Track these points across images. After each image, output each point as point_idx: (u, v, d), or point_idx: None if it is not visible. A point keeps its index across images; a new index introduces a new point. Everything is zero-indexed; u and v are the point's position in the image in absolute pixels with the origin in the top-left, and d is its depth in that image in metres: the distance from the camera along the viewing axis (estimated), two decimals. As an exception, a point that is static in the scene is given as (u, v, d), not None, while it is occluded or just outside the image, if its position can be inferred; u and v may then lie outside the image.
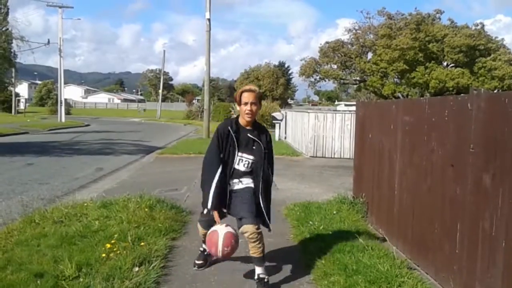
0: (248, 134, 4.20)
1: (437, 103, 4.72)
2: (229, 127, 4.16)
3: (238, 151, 4.17)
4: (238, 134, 4.17)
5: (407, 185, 5.30)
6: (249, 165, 4.23)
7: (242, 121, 4.22)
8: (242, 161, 4.20)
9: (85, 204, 6.88)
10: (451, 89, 31.88)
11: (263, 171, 4.23)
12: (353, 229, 5.92)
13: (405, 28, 32.65)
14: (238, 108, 4.22)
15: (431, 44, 32.37)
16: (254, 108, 4.13)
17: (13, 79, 40.13)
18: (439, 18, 34.38)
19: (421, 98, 5.65)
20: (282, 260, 5.02)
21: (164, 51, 66.49)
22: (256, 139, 4.21)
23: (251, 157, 4.22)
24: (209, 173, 4.11)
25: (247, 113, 4.12)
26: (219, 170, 4.10)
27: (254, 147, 4.20)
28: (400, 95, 33.79)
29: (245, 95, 4.13)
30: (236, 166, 4.20)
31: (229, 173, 4.19)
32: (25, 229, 5.72)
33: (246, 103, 4.11)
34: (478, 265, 3.69)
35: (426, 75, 32.47)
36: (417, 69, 32.63)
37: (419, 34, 31.80)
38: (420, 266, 4.77)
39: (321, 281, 4.35)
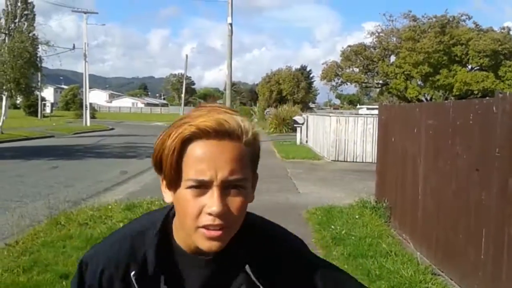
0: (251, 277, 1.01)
1: (462, 106, 4.66)
2: (119, 266, 1.01)
3: None
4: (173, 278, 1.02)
5: (431, 190, 5.23)
6: None
7: (182, 235, 1.01)
8: None
9: (110, 207, 7.00)
10: (476, 92, 31.36)
11: None
12: (376, 234, 5.88)
13: (429, 31, 32.28)
14: (167, 198, 0.99)
15: (455, 47, 31.93)
16: (237, 203, 0.94)
17: (39, 84, 41.05)
18: (464, 21, 33.89)
19: (446, 101, 5.58)
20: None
21: (187, 55, 67.33)
22: None
23: None
24: None
25: (207, 227, 0.92)
26: None
27: None
28: (424, 98, 33.41)
29: (201, 152, 0.92)
30: None
31: None
32: (51, 231, 5.84)
33: (200, 185, 0.92)
34: (504, 271, 3.62)
35: (450, 78, 32.04)
36: (440, 72, 32.22)
37: (443, 37, 31.40)
38: (444, 272, 4.70)
39: (344, 285, 4.32)
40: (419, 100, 31.94)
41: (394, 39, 35.64)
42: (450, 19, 33.14)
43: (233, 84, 33.34)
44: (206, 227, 0.92)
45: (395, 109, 7.45)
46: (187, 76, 73.91)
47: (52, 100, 75.31)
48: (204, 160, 0.91)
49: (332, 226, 6.26)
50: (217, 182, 0.91)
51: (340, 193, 9.54)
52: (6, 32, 31.31)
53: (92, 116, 50.27)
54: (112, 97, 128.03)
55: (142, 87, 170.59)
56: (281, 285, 1.03)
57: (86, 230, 5.80)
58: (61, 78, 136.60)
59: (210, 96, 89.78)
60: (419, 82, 35.05)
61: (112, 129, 39.69)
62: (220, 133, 0.92)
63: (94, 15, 73.58)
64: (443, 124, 4.94)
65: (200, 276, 1.02)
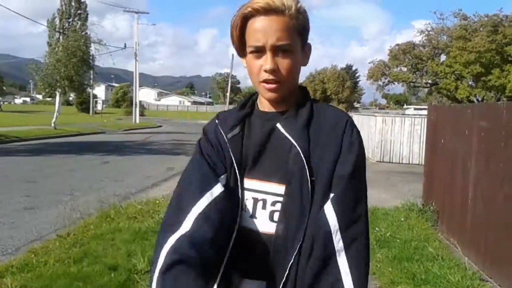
0: (280, 129, 1.33)
1: (516, 108, 4.50)
2: (221, 125, 1.43)
3: (247, 176, 1.36)
4: (248, 135, 1.39)
5: (482, 194, 5.07)
6: (276, 212, 1.31)
7: (262, 100, 1.41)
8: (261, 203, 1.34)
9: (157, 202, 7.20)
10: (530, 93, 30.05)
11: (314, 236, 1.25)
12: (422, 237, 5.76)
13: (481, 30, 31.17)
14: (244, 64, 1.38)
15: (508, 47, 30.69)
16: (285, 63, 1.28)
17: (91, 81, 42.72)
18: (518, 20, 32.48)
19: (499, 102, 5.41)
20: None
21: (233, 55, 67.63)
22: (297, 142, 1.29)
23: (279, 187, 1.31)
24: (161, 237, 1.25)
25: (265, 81, 1.29)
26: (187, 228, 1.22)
27: (291, 163, 1.29)
28: (475, 99, 32.31)
29: (256, 25, 1.27)
30: (248, 222, 1.33)
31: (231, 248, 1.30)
32: (101, 224, 6.06)
33: (257, 50, 1.28)
34: (559, 280, 3.48)
35: (502, 78, 30.83)
36: (492, 72, 31.06)
37: (496, 36, 30.26)
38: (493, 278, 4.56)
39: (388, 288, 4.27)
40: (470, 101, 30.92)
41: (445, 37, 34.64)
42: (503, 18, 31.89)
43: (278, 83, 33.37)
44: (264, 81, 1.29)
45: (445, 110, 7.26)
46: (232, 75, 74.56)
47: (103, 98, 77.82)
48: (258, 31, 1.26)
49: (377, 228, 6.17)
50: (268, 47, 1.26)
51: (385, 195, 9.38)
52: (61, 30, 32.63)
53: (141, 114, 51.53)
54: (160, 95, 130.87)
55: (189, 86, 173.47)
56: (316, 142, 1.30)
57: (135, 224, 5.98)
58: (112, 76, 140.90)
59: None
60: (470, 82, 33.92)
61: (160, 126, 40.54)
62: (268, 10, 1.25)
63: (146, 15, 75.49)
64: (496, 126, 4.78)
65: (265, 126, 1.35)
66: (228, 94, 68.69)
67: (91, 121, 40.59)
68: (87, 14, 37.18)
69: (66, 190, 9.00)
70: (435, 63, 34.19)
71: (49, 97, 44.69)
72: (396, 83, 37.47)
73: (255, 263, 1.31)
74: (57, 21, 34.56)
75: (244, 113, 1.42)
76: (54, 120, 27.14)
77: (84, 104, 63.10)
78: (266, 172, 1.32)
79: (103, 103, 64.45)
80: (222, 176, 1.34)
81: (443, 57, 35.13)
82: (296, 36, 1.28)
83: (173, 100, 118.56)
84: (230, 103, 72.18)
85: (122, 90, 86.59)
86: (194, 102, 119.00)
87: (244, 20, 1.28)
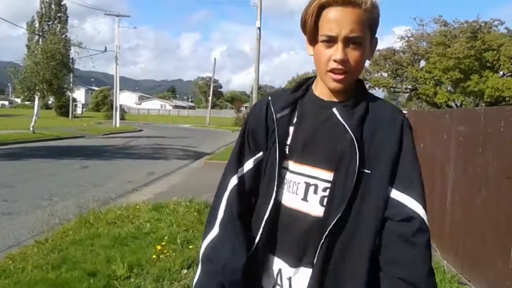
0: (336, 115, 1.37)
1: (493, 113, 4.58)
2: (272, 103, 1.46)
3: (292, 159, 1.42)
4: (301, 119, 1.44)
5: (460, 198, 5.14)
6: (326, 198, 1.36)
7: (319, 86, 1.45)
8: (312, 188, 1.38)
9: (137, 207, 7.12)
10: (507, 98, 30.67)
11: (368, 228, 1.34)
12: (402, 240, 5.80)
13: (460, 36, 31.75)
14: (310, 52, 1.42)
15: (486, 53, 31.31)
16: (355, 55, 1.33)
17: (71, 85, 41.98)
18: (496, 26, 33.21)
19: (477, 107, 5.51)
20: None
21: (215, 59, 67.87)
22: (352, 130, 1.33)
23: (329, 174, 1.36)
24: (212, 212, 1.48)
25: (333, 71, 1.34)
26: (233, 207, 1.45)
27: (342, 151, 1.34)
28: (454, 104, 32.85)
29: (331, 15, 1.31)
30: (287, 201, 1.41)
31: (267, 226, 1.40)
32: (80, 229, 5.97)
33: (329, 39, 1.32)
34: (534, 282, 3.54)
35: (481, 84, 31.43)
36: (471, 78, 31.64)
37: (475, 43, 30.85)
38: (471, 281, 4.62)
39: (368, 292, 4.29)
40: (449, 106, 31.46)
41: (424, 43, 35.18)
42: (482, 25, 32.54)
43: (259, 88, 33.45)
44: (332, 71, 1.33)
45: (424, 115, 7.36)
46: (214, 79, 74.48)
47: (83, 101, 77.01)
48: (332, 21, 1.30)
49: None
50: (341, 37, 1.29)
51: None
52: (40, 33, 32.19)
53: (122, 118, 50.98)
54: (141, 99, 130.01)
55: (170, 90, 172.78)
56: (372, 134, 1.35)
57: (114, 229, 5.91)
58: (93, 79, 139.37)
59: (237, 99, 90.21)
60: (449, 88, 34.49)
61: (140, 130, 40.22)
62: (345, 1, 1.28)
63: (127, 19, 74.98)
64: (473, 131, 4.85)
65: (322, 113, 1.40)
66: (210, 98, 68.64)
67: (71, 125, 40.08)
68: (67, 17, 36.76)
69: (45, 195, 8.86)
70: (415, 69, 34.70)
71: (27, 100, 43.96)
72: (376, 88, 37.88)
73: (302, 246, 1.37)
74: (36, 23, 34.10)
75: (296, 96, 1.46)
76: (32, 124, 26.70)
77: (64, 108, 62.27)
78: (317, 158, 1.37)
79: (82, 107, 63.94)
80: (259, 154, 1.47)
81: (422, 63, 35.69)
82: (367, 29, 1.33)
83: (154, 104, 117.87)
84: (212, 107, 72.11)
85: (102, 94, 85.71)
86: (176, 106, 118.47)
87: (320, 9, 1.32)
